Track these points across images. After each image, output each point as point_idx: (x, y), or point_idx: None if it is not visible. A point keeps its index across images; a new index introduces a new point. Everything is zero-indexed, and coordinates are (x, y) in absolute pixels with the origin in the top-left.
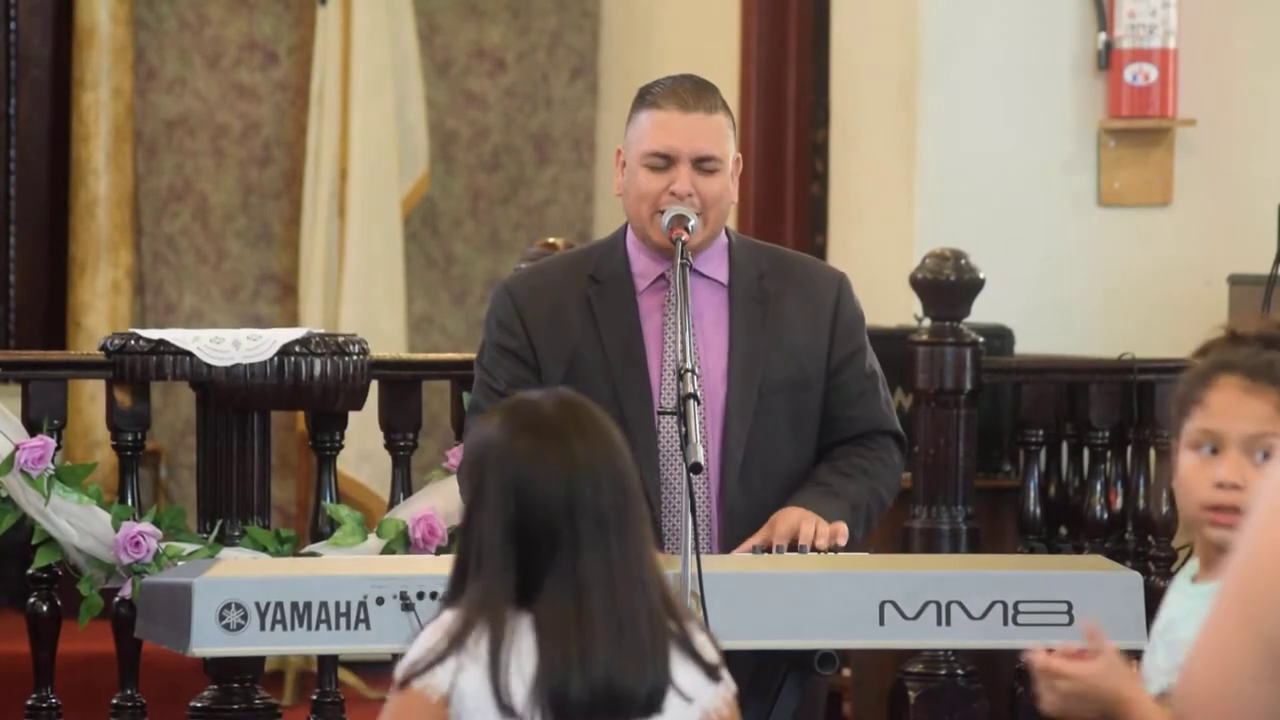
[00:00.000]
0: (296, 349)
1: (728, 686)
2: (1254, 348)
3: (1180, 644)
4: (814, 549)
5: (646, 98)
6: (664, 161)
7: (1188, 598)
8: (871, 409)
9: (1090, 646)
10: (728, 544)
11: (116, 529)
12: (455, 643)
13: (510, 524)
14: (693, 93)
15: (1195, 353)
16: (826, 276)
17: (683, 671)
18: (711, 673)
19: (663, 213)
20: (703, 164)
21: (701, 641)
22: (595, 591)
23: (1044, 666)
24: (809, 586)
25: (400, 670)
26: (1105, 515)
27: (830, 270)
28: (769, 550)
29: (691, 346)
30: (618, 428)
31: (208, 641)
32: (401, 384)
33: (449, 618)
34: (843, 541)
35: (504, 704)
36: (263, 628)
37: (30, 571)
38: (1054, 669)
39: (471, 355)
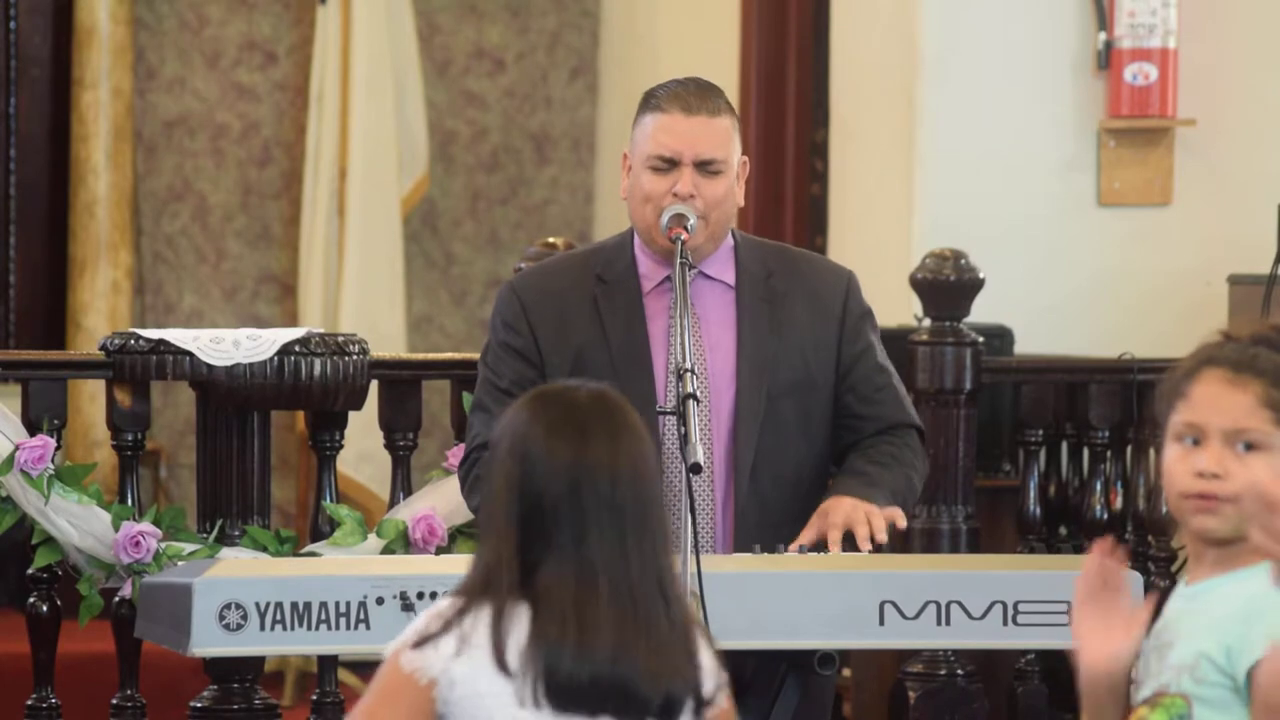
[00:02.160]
0: (296, 349)
1: (724, 681)
2: (1243, 344)
3: (1168, 647)
4: (873, 544)
5: (651, 101)
6: (667, 164)
7: (1179, 599)
8: (890, 405)
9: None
10: (741, 548)
11: (116, 529)
12: (450, 626)
13: (517, 502)
14: (696, 95)
15: (1188, 356)
16: (834, 274)
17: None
18: (715, 674)
19: (663, 215)
20: (706, 166)
21: (705, 647)
22: (603, 575)
23: None
24: (809, 586)
25: (392, 649)
26: (1105, 515)
27: (837, 268)
28: (819, 547)
29: (691, 346)
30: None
31: (208, 641)
32: (401, 384)
33: (446, 603)
34: (902, 524)
35: (503, 669)
36: (263, 628)
37: (30, 571)
38: None
39: (471, 355)
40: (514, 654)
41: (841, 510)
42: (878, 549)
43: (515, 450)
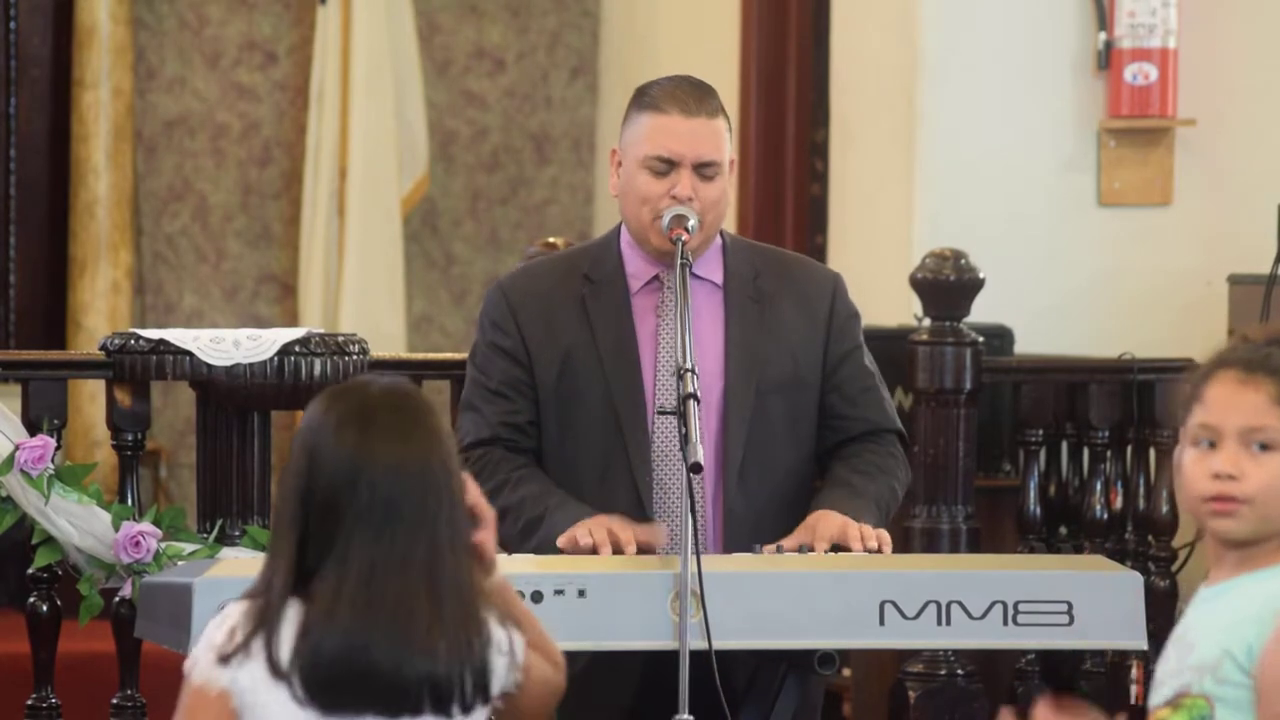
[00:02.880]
0: (296, 349)
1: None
2: (1256, 345)
3: (1190, 647)
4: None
5: (645, 99)
6: (666, 166)
7: (1200, 601)
8: (873, 408)
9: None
10: (730, 546)
11: (116, 529)
12: (234, 633)
13: (300, 498)
14: (694, 96)
15: (1205, 360)
16: (821, 276)
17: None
18: (507, 665)
19: (662, 216)
20: (704, 169)
21: (499, 647)
22: (360, 574)
23: None
24: (809, 586)
25: (187, 665)
26: (1105, 515)
27: (824, 270)
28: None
29: (691, 346)
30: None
31: None
32: None
33: (233, 610)
34: (888, 550)
35: (277, 673)
36: None
37: (30, 571)
38: None
39: None
40: (285, 655)
41: (832, 525)
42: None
43: (303, 445)
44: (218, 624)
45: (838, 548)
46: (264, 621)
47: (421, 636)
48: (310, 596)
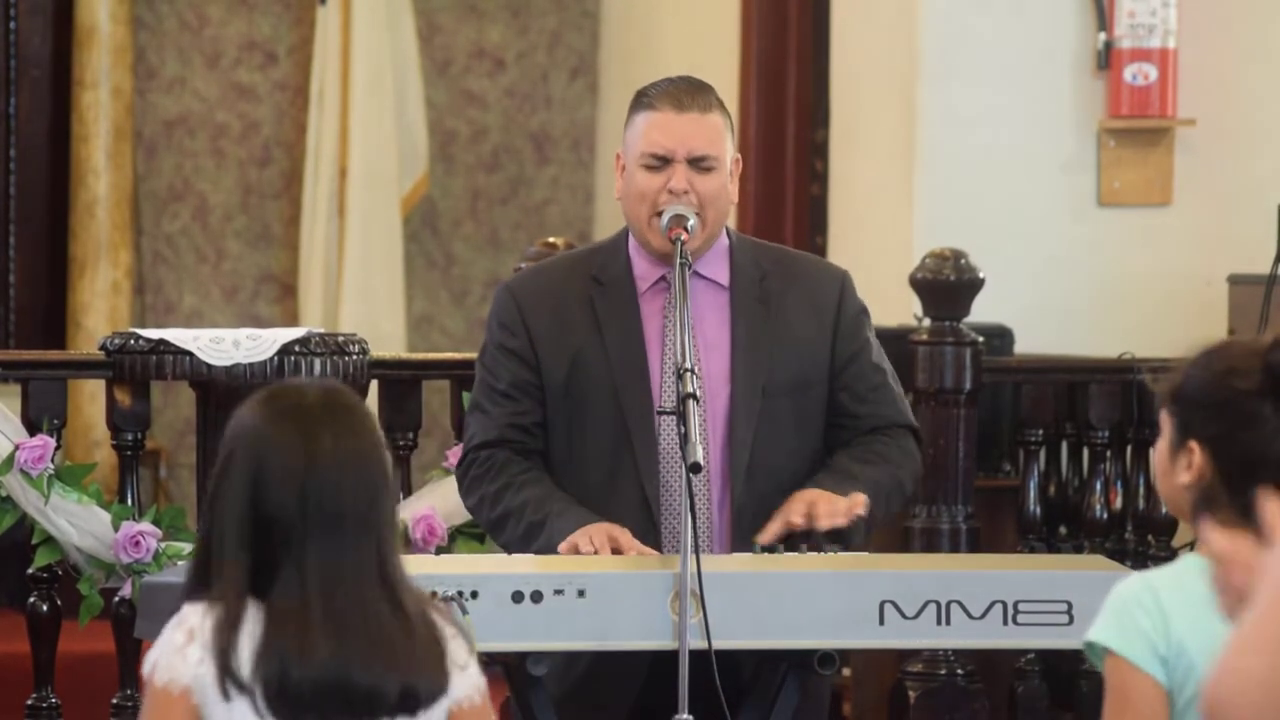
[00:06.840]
0: (296, 349)
1: (477, 675)
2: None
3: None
4: (827, 535)
5: (642, 100)
6: (660, 162)
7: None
8: (884, 404)
9: None
10: (738, 549)
11: (116, 529)
12: (193, 635)
13: (247, 509)
14: (688, 92)
15: None
16: (829, 275)
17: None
18: (460, 666)
19: (661, 214)
20: (699, 163)
21: (450, 634)
22: (323, 586)
23: None
24: (809, 586)
25: (146, 667)
26: (1105, 515)
27: (832, 268)
28: (786, 540)
29: (690, 347)
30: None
31: None
32: (401, 384)
33: (189, 611)
34: (862, 511)
35: (231, 688)
36: None
37: (30, 571)
38: None
39: (471, 355)
40: (245, 663)
41: (801, 500)
42: (846, 537)
43: (246, 449)
44: (175, 625)
45: (809, 533)
46: (229, 627)
47: (397, 650)
48: (271, 606)
